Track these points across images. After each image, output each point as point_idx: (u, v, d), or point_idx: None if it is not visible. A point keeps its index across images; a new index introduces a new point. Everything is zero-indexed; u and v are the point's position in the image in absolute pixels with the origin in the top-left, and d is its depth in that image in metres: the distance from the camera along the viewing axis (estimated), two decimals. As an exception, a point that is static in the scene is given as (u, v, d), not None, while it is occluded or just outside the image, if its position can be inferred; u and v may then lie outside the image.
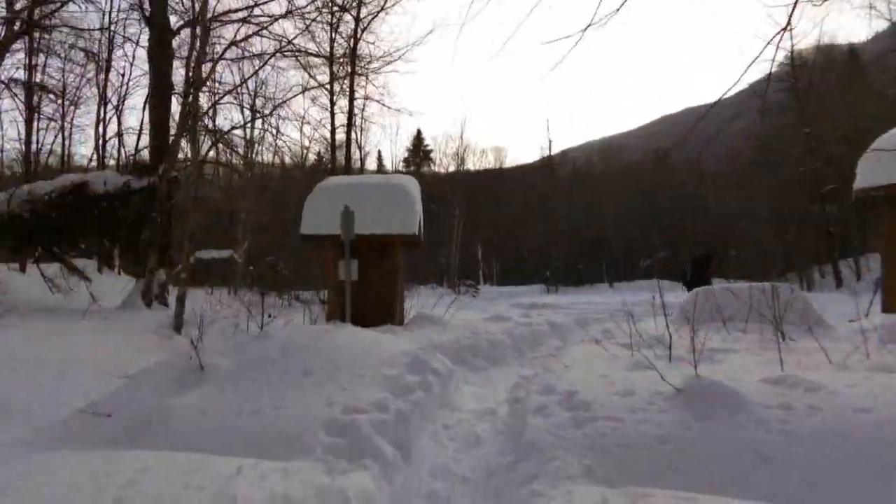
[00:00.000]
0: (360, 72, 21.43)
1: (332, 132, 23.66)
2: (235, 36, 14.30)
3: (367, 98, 22.03)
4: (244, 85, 17.83)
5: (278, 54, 14.11)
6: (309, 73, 22.54)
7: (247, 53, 14.27)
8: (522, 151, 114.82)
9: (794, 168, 31.07)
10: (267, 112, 14.46)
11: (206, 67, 14.72)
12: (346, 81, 21.90)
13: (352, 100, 21.10)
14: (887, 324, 7.51)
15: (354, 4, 21.30)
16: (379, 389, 4.83)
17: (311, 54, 14.64)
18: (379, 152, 40.78)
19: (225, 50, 14.66)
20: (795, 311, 8.83)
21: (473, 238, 41.23)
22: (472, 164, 43.34)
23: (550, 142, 38.23)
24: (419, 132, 45.87)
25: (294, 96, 15.11)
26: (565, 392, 4.36)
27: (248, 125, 19.59)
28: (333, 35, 21.95)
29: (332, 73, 22.33)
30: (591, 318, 13.67)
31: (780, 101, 31.34)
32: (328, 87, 22.84)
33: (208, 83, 14.68)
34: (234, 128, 14.68)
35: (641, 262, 41.66)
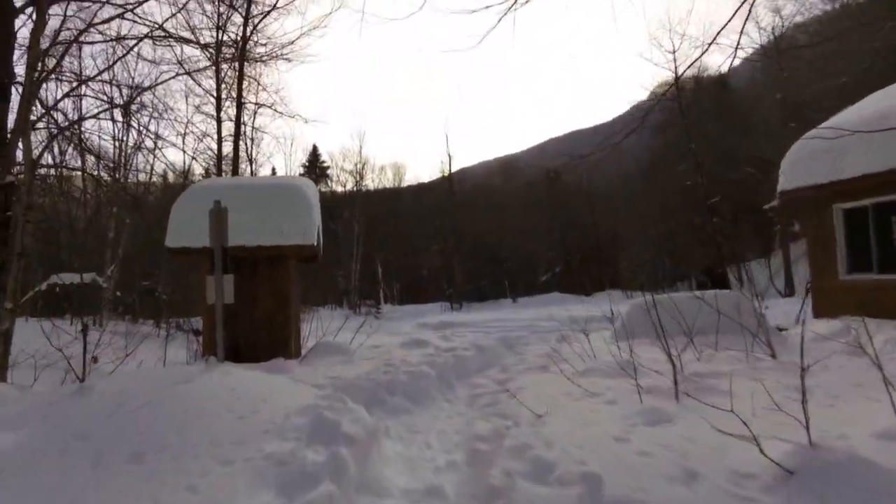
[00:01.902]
0: (248, 73, 18.95)
1: (219, 142, 20.82)
2: (93, 18, 11.53)
3: (258, 105, 19.52)
4: (110, 79, 14.83)
5: (150, 40, 11.50)
6: (193, 78, 19.79)
7: (107, 37, 11.51)
8: (422, 168, 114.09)
9: (681, 182, 31.96)
10: (122, 102, 11.72)
11: (56, 54, 11.86)
12: (234, 86, 19.30)
13: (239, 104, 18.52)
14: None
15: (242, 2, 18.90)
16: (260, 487, 2.80)
17: (188, 41, 12.11)
18: (273, 168, 37.65)
19: (80, 33, 11.84)
20: (747, 319, 7.76)
21: (373, 257, 39.12)
22: (370, 181, 41.34)
23: (450, 157, 37.16)
24: (315, 147, 43.25)
25: (163, 82, 12.45)
26: (577, 476, 2.57)
27: (108, 121, 16.47)
28: (220, 36, 19.34)
29: (217, 73, 19.66)
30: (513, 338, 12.12)
31: (665, 119, 32.28)
32: (213, 94, 20.13)
33: (57, 73, 11.77)
34: (80, 119, 11.71)
35: (539, 277, 41.38)
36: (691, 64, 23.09)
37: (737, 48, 5.57)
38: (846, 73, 29.28)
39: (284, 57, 18.24)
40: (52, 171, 15.11)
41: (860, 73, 28.49)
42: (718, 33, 6.44)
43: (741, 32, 5.22)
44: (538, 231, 40.83)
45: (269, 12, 18.22)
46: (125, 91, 16.63)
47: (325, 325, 10.63)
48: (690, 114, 31.25)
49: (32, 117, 11.10)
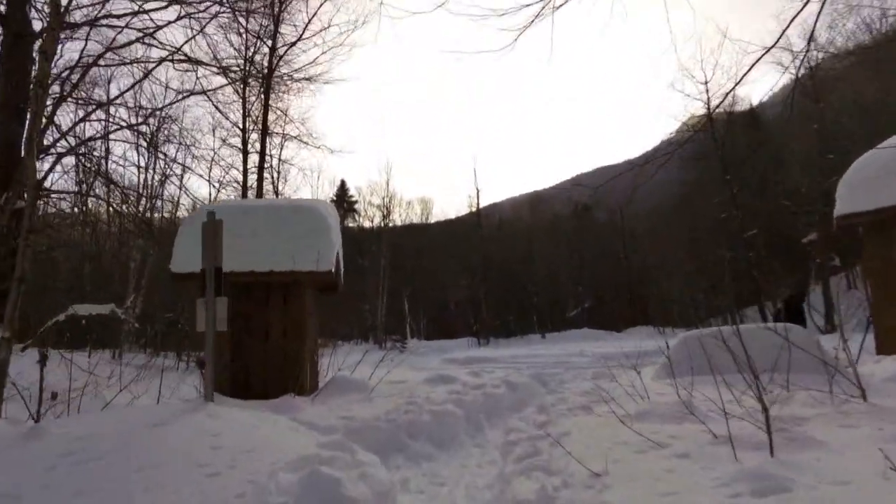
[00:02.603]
0: (274, 104, 18.72)
1: (244, 174, 20.55)
2: (112, 43, 11.31)
3: (283, 135, 19.23)
4: (135, 105, 14.63)
5: (170, 64, 11.21)
6: (220, 111, 19.70)
7: (125, 59, 11.26)
8: (449, 203, 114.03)
9: (715, 215, 30.75)
10: (140, 120, 11.32)
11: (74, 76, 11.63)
12: (260, 117, 19.09)
13: (264, 134, 18.23)
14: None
15: (268, 32, 18.85)
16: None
17: (208, 65, 11.81)
18: (300, 203, 37.76)
19: (99, 57, 11.62)
20: (812, 357, 6.73)
21: (399, 292, 38.39)
22: (398, 216, 40.94)
23: (478, 190, 36.50)
24: (343, 182, 43.22)
25: (179, 99, 12.03)
26: None
27: (133, 149, 16.25)
28: (247, 67, 19.27)
29: (244, 104, 19.52)
30: (546, 374, 11.12)
31: (698, 151, 31.29)
32: (239, 126, 19.97)
33: (76, 97, 11.51)
34: (90, 139, 11.33)
35: (568, 313, 40.07)
36: (727, 94, 22.24)
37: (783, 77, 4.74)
38: (884, 103, 28.12)
39: (308, 78, 17.96)
40: (69, 199, 14.79)
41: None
42: (753, 65, 5.74)
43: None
44: (567, 266, 39.72)
45: (295, 42, 18.08)
46: (150, 120, 16.49)
47: (345, 360, 9.81)
48: (723, 146, 30.23)
49: (47, 141, 10.79)
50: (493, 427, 6.62)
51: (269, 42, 18.59)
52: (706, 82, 29.64)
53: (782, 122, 38.06)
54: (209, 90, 13.60)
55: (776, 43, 5.66)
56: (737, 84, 7.09)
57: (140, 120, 12.48)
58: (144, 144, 16.56)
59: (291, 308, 7.79)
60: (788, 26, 6.08)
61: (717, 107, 24.25)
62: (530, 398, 8.14)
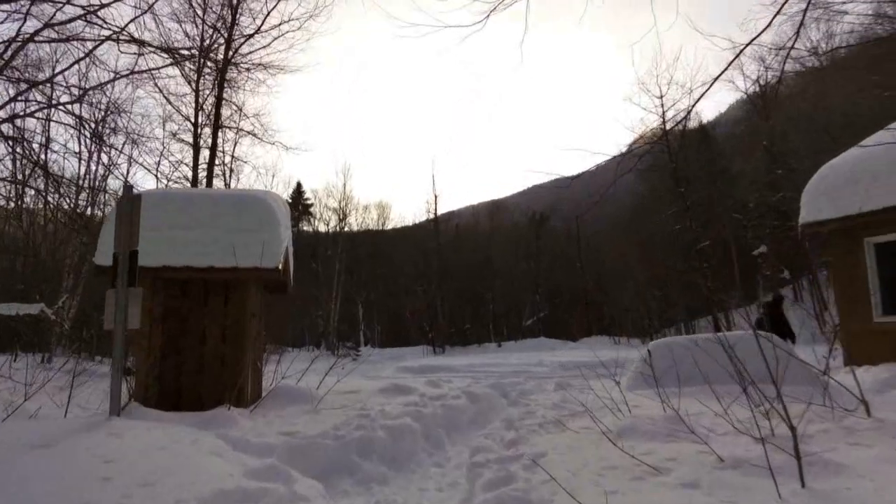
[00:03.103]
0: (228, 97, 17.66)
1: (195, 169, 19.31)
2: (51, 19, 10.17)
3: (237, 129, 18.16)
4: (79, 95, 13.40)
5: (115, 45, 10.13)
6: (169, 102, 18.53)
7: (62, 36, 10.12)
8: (407, 209, 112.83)
9: (669, 227, 31.08)
10: (74, 98, 10.18)
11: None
12: (212, 111, 17.99)
13: (216, 127, 17.15)
14: None
15: (225, 24, 17.85)
16: None
17: (153, 46, 10.77)
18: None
19: (35, 33, 10.45)
20: (792, 367, 6.37)
21: (354, 298, 37.36)
22: (354, 220, 39.91)
23: (436, 196, 35.73)
24: (299, 184, 41.75)
25: (125, 75, 10.82)
26: None
27: (74, 136, 14.94)
28: (201, 60, 18.16)
29: (197, 98, 18.39)
30: (506, 384, 10.52)
31: (652, 163, 31.63)
32: (191, 120, 18.80)
33: (6, 72, 10.30)
34: (15, 116, 10.09)
35: (524, 321, 39.86)
36: (687, 112, 22.44)
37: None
38: (830, 123, 29.07)
39: (264, 66, 17.04)
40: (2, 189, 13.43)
41: (844, 124, 28.25)
42: (710, 85, 5.88)
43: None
44: (524, 275, 39.54)
45: (252, 35, 17.13)
46: (93, 108, 15.28)
47: (292, 367, 8.95)
48: (677, 160, 30.62)
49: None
50: (454, 443, 5.96)
51: (226, 34, 17.59)
52: (661, 97, 30.00)
53: (732, 139, 39.12)
54: (154, 69, 12.49)
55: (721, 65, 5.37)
56: (695, 102, 6.80)
57: (74, 98, 11.34)
58: (87, 132, 15.30)
59: (232, 309, 6.95)
60: (742, 51, 5.89)
61: (682, 120, 24.43)
62: (493, 411, 7.52)
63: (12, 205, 17.96)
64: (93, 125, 16.49)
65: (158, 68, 10.69)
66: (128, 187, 4.40)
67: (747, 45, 5.76)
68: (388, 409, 5.93)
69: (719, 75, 5.96)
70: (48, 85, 12.51)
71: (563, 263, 41.21)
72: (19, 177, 16.39)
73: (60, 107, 12.41)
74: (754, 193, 33.81)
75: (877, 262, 9.36)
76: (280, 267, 6.91)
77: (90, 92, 13.89)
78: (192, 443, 3.22)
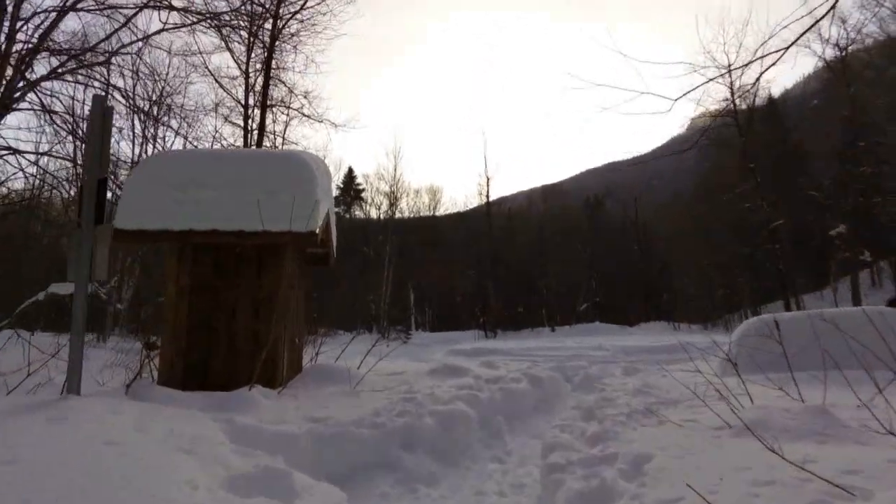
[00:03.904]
0: (276, 77, 17.06)
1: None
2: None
3: (286, 106, 17.51)
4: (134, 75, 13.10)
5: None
6: (222, 87, 18.13)
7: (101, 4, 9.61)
8: (459, 194, 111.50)
9: (734, 207, 28.92)
10: (102, 61, 9.63)
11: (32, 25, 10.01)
12: (260, 90, 17.45)
13: (264, 106, 16.60)
14: None
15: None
16: None
17: (192, 12, 10.13)
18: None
19: (70, 7, 10.00)
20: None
21: (405, 283, 36.79)
22: (406, 205, 39.26)
23: (488, 178, 34.47)
24: (351, 169, 41.40)
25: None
26: None
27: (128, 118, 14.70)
28: (251, 41, 17.67)
29: (247, 80, 17.93)
30: (569, 367, 9.45)
31: (718, 138, 29.42)
32: (241, 102, 18.36)
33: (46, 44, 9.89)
34: (39, 79, 9.62)
35: (578, 306, 38.36)
36: (757, 78, 20.46)
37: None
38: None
39: (314, 28, 16.41)
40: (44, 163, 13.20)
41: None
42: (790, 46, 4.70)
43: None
44: (578, 259, 37.93)
45: (300, 10, 16.42)
46: (148, 89, 15.03)
47: (338, 349, 8.15)
48: (746, 133, 28.33)
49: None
50: (515, 434, 5.00)
51: (274, 8, 16.96)
52: (729, 66, 27.70)
53: (805, 112, 36.13)
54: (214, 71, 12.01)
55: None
56: (780, 57, 5.53)
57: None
58: (138, 111, 15.05)
59: (266, 280, 6.15)
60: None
61: (753, 86, 22.39)
62: (558, 397, 6.50)
63: (73, 190, 18.04)
64: (147, 106, 16.21)
65: (209, 52, 9.86)
66: (97, 97, 3.56)
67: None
68: (438, 393, 5.00)
69: (797, 39, 4.80)
70: (105, 67, 12.20)
71: (620, 247, 39.36)
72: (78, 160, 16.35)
73: (115, 90, 12.03)
74: (832, 170, 31.06)
75: None
76: (317, 231, 6.05)
77: (143, 73, 13.52)
78: (167, 435, 2.37)
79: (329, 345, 9.56)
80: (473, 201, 46.70)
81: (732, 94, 27.36)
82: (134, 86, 15.01)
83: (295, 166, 6.37)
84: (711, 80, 13.33)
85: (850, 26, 28.65)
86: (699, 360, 6.95)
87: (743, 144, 25.86)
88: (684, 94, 8.32)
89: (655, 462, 2.65)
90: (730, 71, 22.54)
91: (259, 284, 6.14)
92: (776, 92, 38.87)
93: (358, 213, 41.96)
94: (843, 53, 27.41)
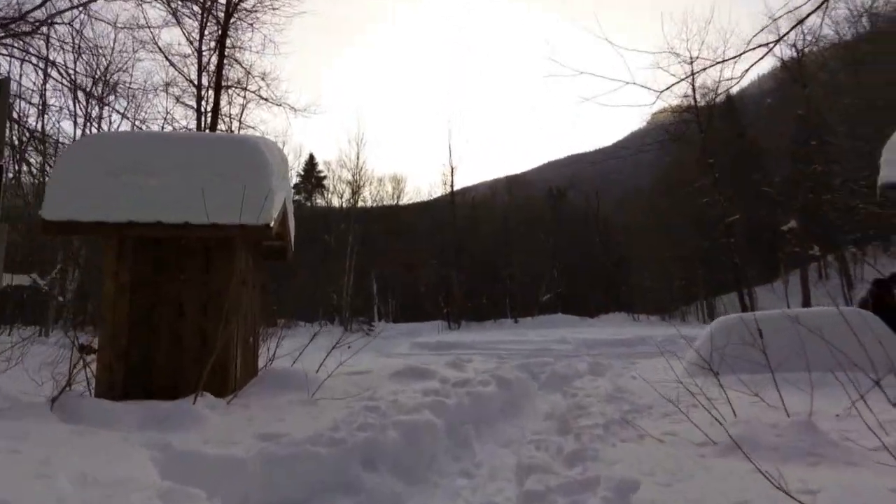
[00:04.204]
0: (231, 56, 16.25)
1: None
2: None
3: (241, 88, 16.70)
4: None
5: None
6: (170, 61, 17.20)
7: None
8: (423, 183, 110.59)
9: (693, 201, 29.41)
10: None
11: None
12: (214, 70, 16.62)
13: (218, 87, 15.78)
14: None
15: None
16: None
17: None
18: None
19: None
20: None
21: (368, 272, 36.19)
22: (368, 193, 38.52)
23: (453, 168, 34.07)
24: (312, 156, 40.22)
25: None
26: None
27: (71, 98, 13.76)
28: (204, 18, 16.76)
29: (200, 59, 17.07)
30: (534, 365, 9.24)
31: (683, 132, 29.77)
32: (195, 83, 17.46)
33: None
34: None
35: (541, 297, 38.55)
36: (731, 84, 20.69)
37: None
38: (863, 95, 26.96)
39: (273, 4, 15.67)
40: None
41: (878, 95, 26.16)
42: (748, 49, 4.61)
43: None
44: (541, 250, 38.05)
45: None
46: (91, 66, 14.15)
47: (298, 344, 7.67)
48: (706, 129, 28.73)
49: None
50: (483, 441, 4.70)
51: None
52: (692, 62, 27.97)
53: (761, 109, 37.00)
54: (154, 26, 11.21)
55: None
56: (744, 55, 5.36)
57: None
58: (78, 88, 14.08)
59: (215, 275, 5.66)
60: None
61: (722, 90, 22.68)
62: (526, 397, 6.24)
63: (11, 175, 16.88)
64: (90, 84, 15.22)
65: (158, 26, 9.15)
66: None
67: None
68: (403, 400, 4.65)
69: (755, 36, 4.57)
70: (40, 38, 11.28)
71: (582, 239, 39.68)
72: (16, 142, 15.25)
73: (54, 65, 11.26)
74: (784, 167, 31.88)
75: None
76: (271, 224, 5.59)
77: (84, 47, 12.65)
78: (77, 482, 1.93)
79: (291, 338, 9.10)
80: (438, 191, 46.37)
81: (694, 90, 27.76)
82: (75, 61, 14.05)
83: (248, 152, 5.86)
84: (695, 73, 13.22)
85: (806, 28, 29.28)
86: (667, 357, 6.78)
87: (703, 140, 26.20)
88: (668, 88, 8.11)
89: (643, 492, 2.38)
90: (719, 63, 22.60)
91: (207, 279, 5.65)
92: (735, 87, 39.61)
93: (319, 202, 41.03)
94: (800, 55, 28.02)
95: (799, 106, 29.63)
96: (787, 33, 4.78)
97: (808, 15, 4.56)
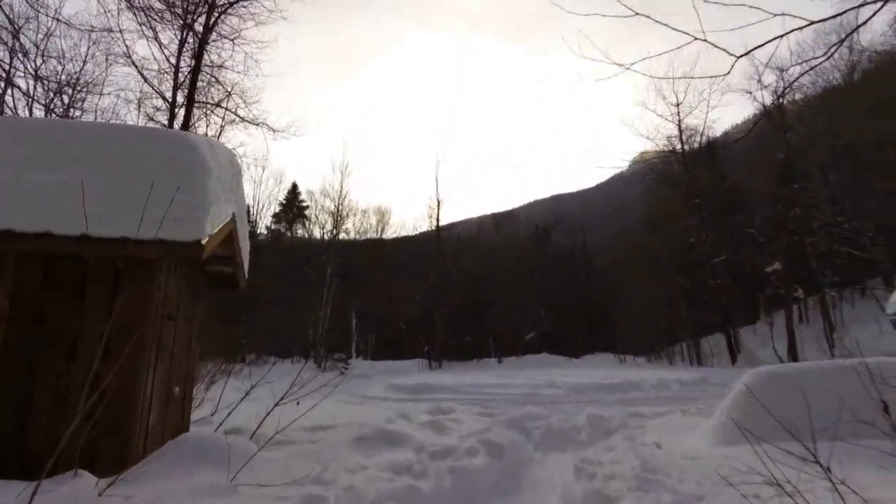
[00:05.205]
0: (209, 72, 15.03)
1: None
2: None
3: (216, 105, 15.41)
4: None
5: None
6: (143, 77, 15.93)
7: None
8: (408, 216, 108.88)
9: (683, 240, 28.56)
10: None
11: None
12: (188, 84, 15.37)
13: (190, 103, 14.47)
14: None
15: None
16: None
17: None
18: (248, 207, 33.15)
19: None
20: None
21: (348, 306, 34.48)
22: (352, 225, 37.08)
23: (439, 202, 32.84)
24: (294, 185, 38.72)
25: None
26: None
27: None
28: (184, 34, 15.61)
29: (176, 73, 15.82)
30: (526, 418, 7.79)
31: (664, 175, 29.17)
32: (168, 99, 16.19)
33: None
34: None
35: (525, 335, 37.09)
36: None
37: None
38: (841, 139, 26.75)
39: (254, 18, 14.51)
40: None
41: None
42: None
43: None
44: (527, 288, 36.75)
45: (233, 3, 14.60)
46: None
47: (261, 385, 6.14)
48: (692, 170, 28.14)
49: None
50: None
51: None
52: (678, 104, 27.57)
53: (744, 154, 36.76)
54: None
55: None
56: (784, 91, 4.29)
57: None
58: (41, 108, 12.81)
59: (128, 306, 4.23)
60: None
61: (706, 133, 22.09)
62: (522, 468, 4.83)
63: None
64: (53, 99, 13.92)
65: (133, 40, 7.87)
66: None
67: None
68: (361, 486, 3.23)
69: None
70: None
71: (568, 277, 38.55)
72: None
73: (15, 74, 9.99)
74: (768, 209, 31.37)
75: None
76: (203, 241, 4.22)
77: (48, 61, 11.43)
78: None
79: (255, 377, 7.62)
80: (423, 225, 45.18)
81: (680, 130, 27.23)
82: (35, 71, 12.79)
83: (181, 151, 4.54)
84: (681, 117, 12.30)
85: (787, 75, 29.20)
86: (686, 412, 5.47)
87: (689, 181, 25.51)
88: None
89: None
90: (678, 110, 21.88)
91: (111, 310, 4.22)
92: (718, 132, 39.54)
93: (300, 232, 39.39)
94: (781, 101, 27.79)
95: (778, 151, 29.31)
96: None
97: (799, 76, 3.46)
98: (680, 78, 16.70)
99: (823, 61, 4.14)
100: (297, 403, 4.22)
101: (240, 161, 5.94)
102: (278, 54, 75.79)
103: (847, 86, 28.68)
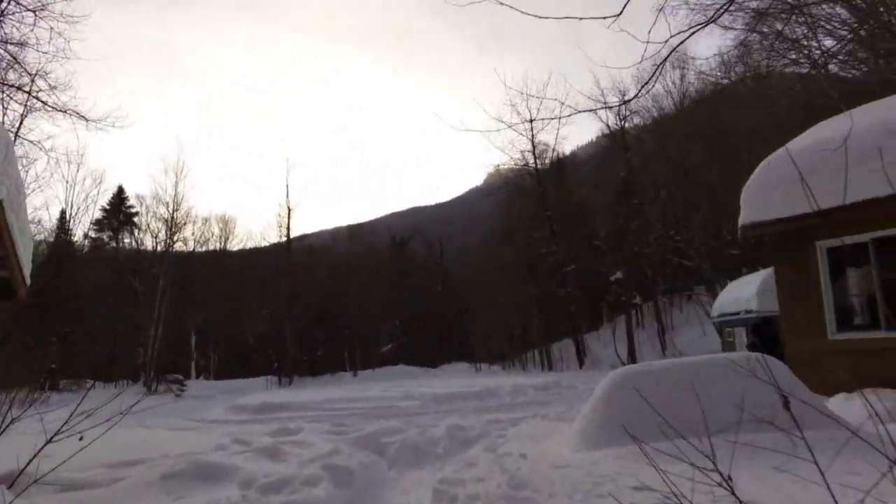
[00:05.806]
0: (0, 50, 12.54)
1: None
2: None
3: (19, 89, 12.86)
4: None
5: None
6: None
7: None
8: (255, 226, 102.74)
9: (532, 252, 30.04)
10: None
11: None
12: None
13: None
14: None
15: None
16: None
17: None
18: (62, 211, 28.57)
19: None
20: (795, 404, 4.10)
21: (185, 323, 31.34)
22: (191, 234, 33.80)
23: (290, 209, 31.11)
24: (121, 189, 33.78)
25: None
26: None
27: None
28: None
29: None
30: (380, 434, 7.25)
31: (521, 186, 30.60)
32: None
33: None
34: None
35: (382, 348, 36.60)
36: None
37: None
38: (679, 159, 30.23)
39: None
40: None
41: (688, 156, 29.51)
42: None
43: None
44: (382, 299, 36.29)
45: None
46: None
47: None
48: (544, 183, 29.83)
49: None
50: None
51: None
52: (531, 120, 29.11)
53: (589, 170, 39.94)
54: None
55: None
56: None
57: None
58: None
59: None
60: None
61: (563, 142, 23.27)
62: (377, 499, 4.29)
63: None
64: None
65: None
66: None
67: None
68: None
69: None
70: None
71: (424, 288, 38.78)
72: None
73: None
74: (611, 222, 34.28)
75: (829, 269, 7.72)
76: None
77: None
78: None
79: (67, 407, 6.18)
80: (272, 235, 42.88)
81: (534, 146, 28.70)
82: None
83: None
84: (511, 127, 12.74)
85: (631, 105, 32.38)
86: (545, 417, 5.36)
87: (541, 193, 26.94)
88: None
89: None
90: (531, 126, 23.00)
91: None
92: (567, 150, 42.60)
93: (128, 241, 34.94)
94: (623, 123, 30.54)
95: (618, 170, 32.23)
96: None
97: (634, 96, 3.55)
98: (532, 96, 17.46)
99: (648, 91, 4.28)
100: (80, 438, 3.29)
101: (9, 135, 4.75)
102: (101, 39, 67.94)
103: (678, 112, 32.43)
